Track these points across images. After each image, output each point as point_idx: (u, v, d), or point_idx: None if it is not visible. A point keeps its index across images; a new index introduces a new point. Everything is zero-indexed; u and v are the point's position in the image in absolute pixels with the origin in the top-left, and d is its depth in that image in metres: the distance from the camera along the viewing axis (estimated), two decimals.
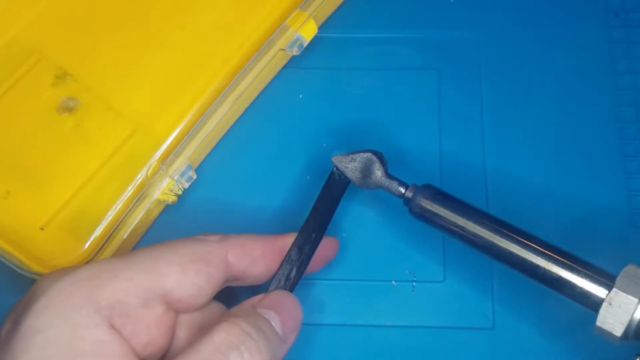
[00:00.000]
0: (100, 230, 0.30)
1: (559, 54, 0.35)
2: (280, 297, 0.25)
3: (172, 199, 0.31)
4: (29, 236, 0.29)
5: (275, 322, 0.24)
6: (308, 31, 0.32)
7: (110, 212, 0.30)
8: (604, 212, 0.32)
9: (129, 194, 0.30)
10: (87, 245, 0.30)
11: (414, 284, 0.31)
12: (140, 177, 0.30)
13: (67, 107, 0.31)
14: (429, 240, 0.32)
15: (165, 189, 0.31)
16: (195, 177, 0.31)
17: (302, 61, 0.35)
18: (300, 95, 0.35)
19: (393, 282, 0.31)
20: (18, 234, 0.29)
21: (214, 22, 0.32)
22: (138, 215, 0.31)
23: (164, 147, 0.31)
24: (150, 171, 0.30)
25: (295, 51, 0.32)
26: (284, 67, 0.35)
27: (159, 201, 0.31)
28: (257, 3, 0.33)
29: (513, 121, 0.34)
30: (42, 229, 0.29)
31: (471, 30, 0.36)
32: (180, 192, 0.31)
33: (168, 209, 0.33)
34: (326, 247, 0.28)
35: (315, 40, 0.33)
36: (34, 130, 0.30)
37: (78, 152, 0.30)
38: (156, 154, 0.31)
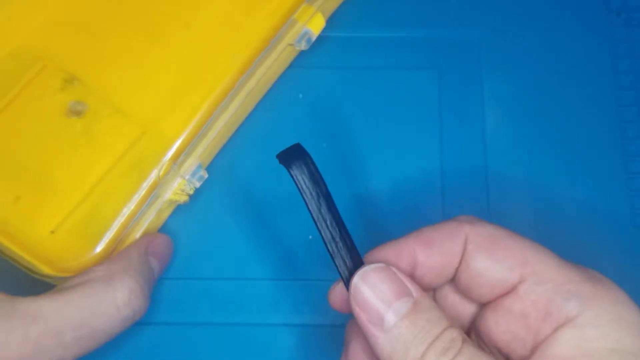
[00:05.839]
0: (112, 232, 0.29)
1: (560, 54, 0.35)
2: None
3: (183, 198, 0.31)
4: (40, 240, 0.29)
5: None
6: (316, 25, 0.32)
7: (121, 215, 0.29)
8: (605, 212, 0.32)
9: (140, 196, 0.30)
10: (98, 247, 0.29)
11: None
12: (151, 179, 0.30)
13: (76, 111, 0.31)
14: None
15: (177, 189, 0.30)
16: (206, 176, 0.31)
17: (302, 61, 0.35)
18: (300, 95, 0.35)
19: None
20: (29, 238, 0.29)
21: (221, 19, 0.32)
22: (149, 217, 0.31)
23: (174, 147, 0.31)
24: (162, 172, 0.30)
25: (303, 46, 0.32)
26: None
27: (170, 201, 0.31)
28: None
29: (514, 121, 0.34)
30: (52, 232, 0.29)
31: (472, 29, 0.36)
32: (192, 192, 0.31)
33: (179, 209, 0.32)
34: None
35: (316, 40, 0.33)
36: (43, 134, 0.30)
37: (87, 155, 0.30)
38: (167, 155, 0.30)
